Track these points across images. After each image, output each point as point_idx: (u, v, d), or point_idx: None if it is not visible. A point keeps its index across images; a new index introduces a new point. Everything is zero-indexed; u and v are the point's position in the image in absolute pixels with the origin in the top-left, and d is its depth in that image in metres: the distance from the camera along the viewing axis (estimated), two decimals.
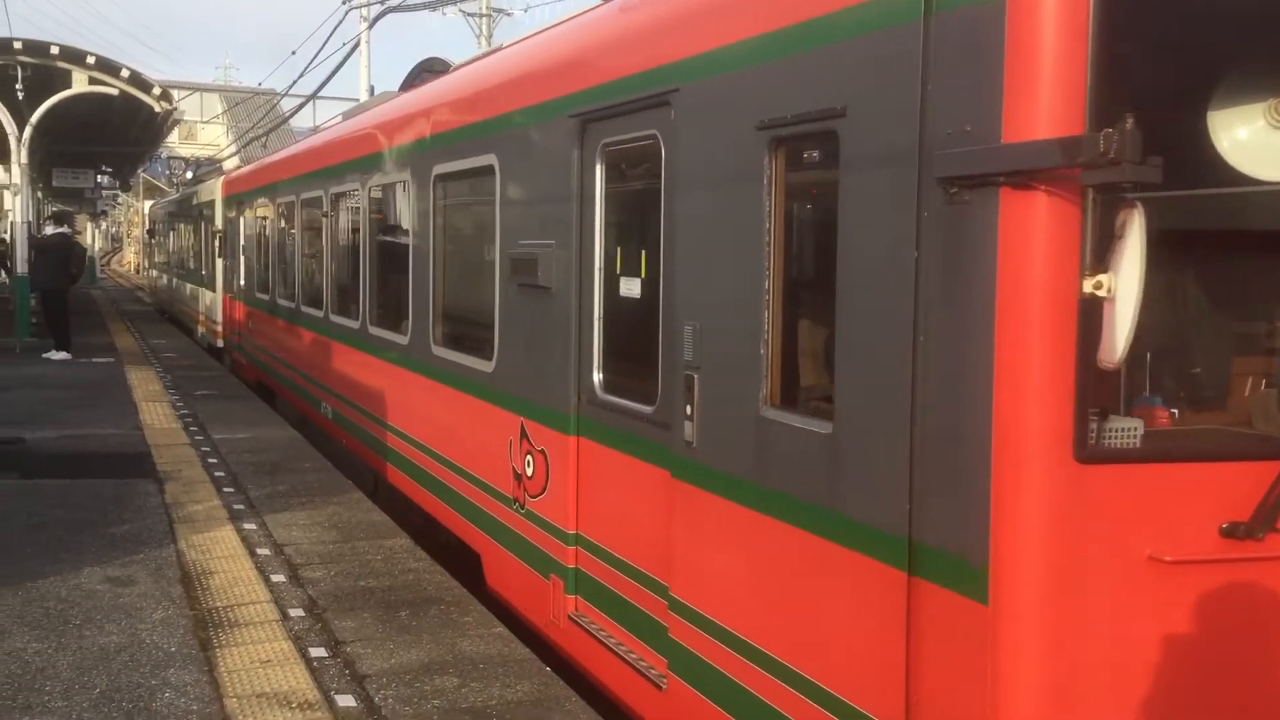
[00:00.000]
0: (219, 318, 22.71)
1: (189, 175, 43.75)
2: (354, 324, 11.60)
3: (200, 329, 26.03)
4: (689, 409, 5.26)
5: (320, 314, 13.26)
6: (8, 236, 24.07)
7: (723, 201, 5.09)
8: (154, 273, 43.97)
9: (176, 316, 31.75)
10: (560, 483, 6.70)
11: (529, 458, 7.12)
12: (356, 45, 27.35)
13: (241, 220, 19.82)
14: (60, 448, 12.24)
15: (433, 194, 9.04)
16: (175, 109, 26.39)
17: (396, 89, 13.12)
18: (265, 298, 17.33)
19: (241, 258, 19.74)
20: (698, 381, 5.21)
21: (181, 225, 31.23)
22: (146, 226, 51.60)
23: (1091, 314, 3.51)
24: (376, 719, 5.61)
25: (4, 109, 22.59)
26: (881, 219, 4.07)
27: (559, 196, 6.65)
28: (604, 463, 6.29)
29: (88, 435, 13.02)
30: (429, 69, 12.80)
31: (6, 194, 23.99)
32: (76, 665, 6.19)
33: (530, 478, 7.11)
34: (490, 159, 7.73)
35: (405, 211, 9.87)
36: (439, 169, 8.91)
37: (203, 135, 65.02)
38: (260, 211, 18.03)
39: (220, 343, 22.63)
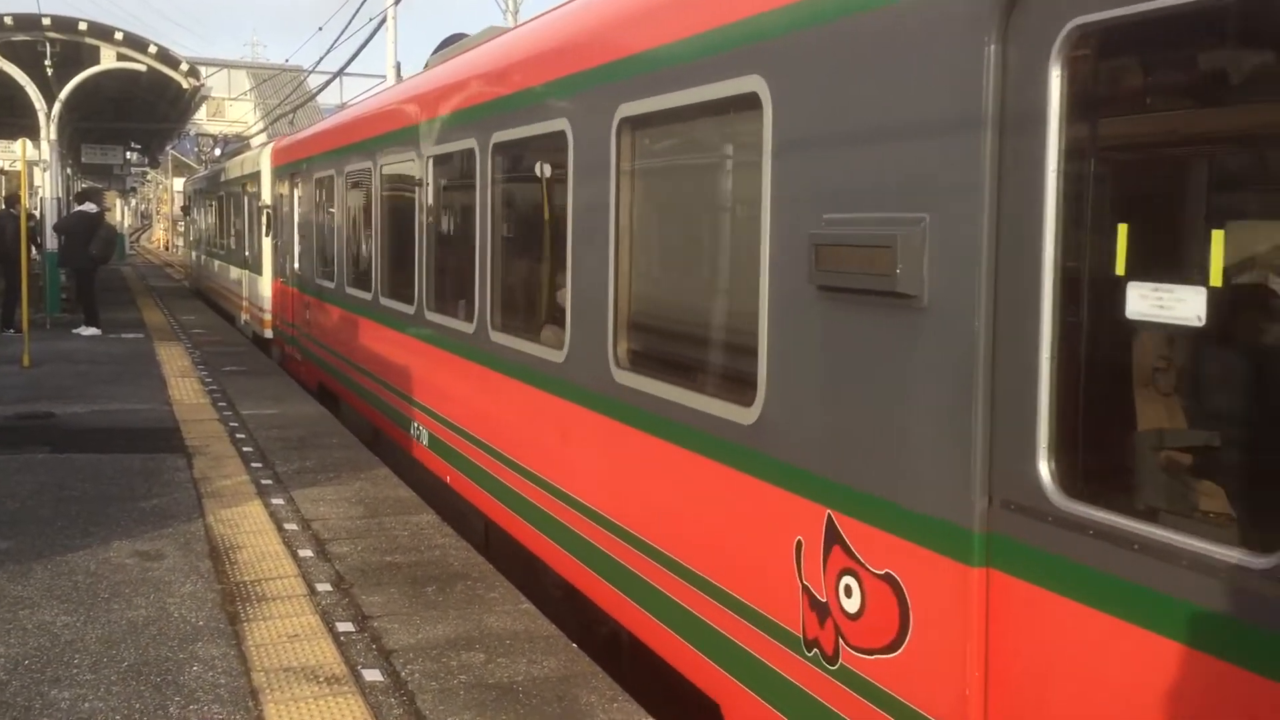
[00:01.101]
0: (267, 305, 20.03)
1: (217, 152, 43.89)
2: (465, 327, 8.81)
3: (243, 316, 23.30)
4: None
5: (410, 310, 10.41)
6: (38, 213, 24.17)
7: None
8: (189, 252, 40.21)
9: (214, 300, 29.24)
10: (942, 643, 3.88)
11: (849, 581, 4.32)
12: (383, 21, 27.28)
13: (296, 194, 16.97)
14: (90, 422, 12.32)
15: (616, 146, 6.18)
16: (202, 85, 26.51)
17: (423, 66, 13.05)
18: (329, 285, 14.33)
19: (296, 237, 16.90)
20: None
21: (220, 200, 28.12)
22: (181, 203, 47.60)
23: None
24: (403, 694, 5.62)
25: (33, 85, 22.71)
26: None
27: (939, 131, 3.85)
28: (1073, 632, 3.44)
29: (117, 410, 13.09)
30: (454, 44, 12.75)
31: (36, 170, 24.08)
32: (105, 638, 6.21)
33: (854, 616, 4.30)
34: (750, 83, 4.89)
35: (557, 175, 7.22)
36: (628, 110, 6.05)
37: (231, 112, 65.29)
38: (321, 183, 15.05)
39: (268, 333, 19.92)
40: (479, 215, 8.52)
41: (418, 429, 10.23)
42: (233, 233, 25.34)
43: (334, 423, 12.75)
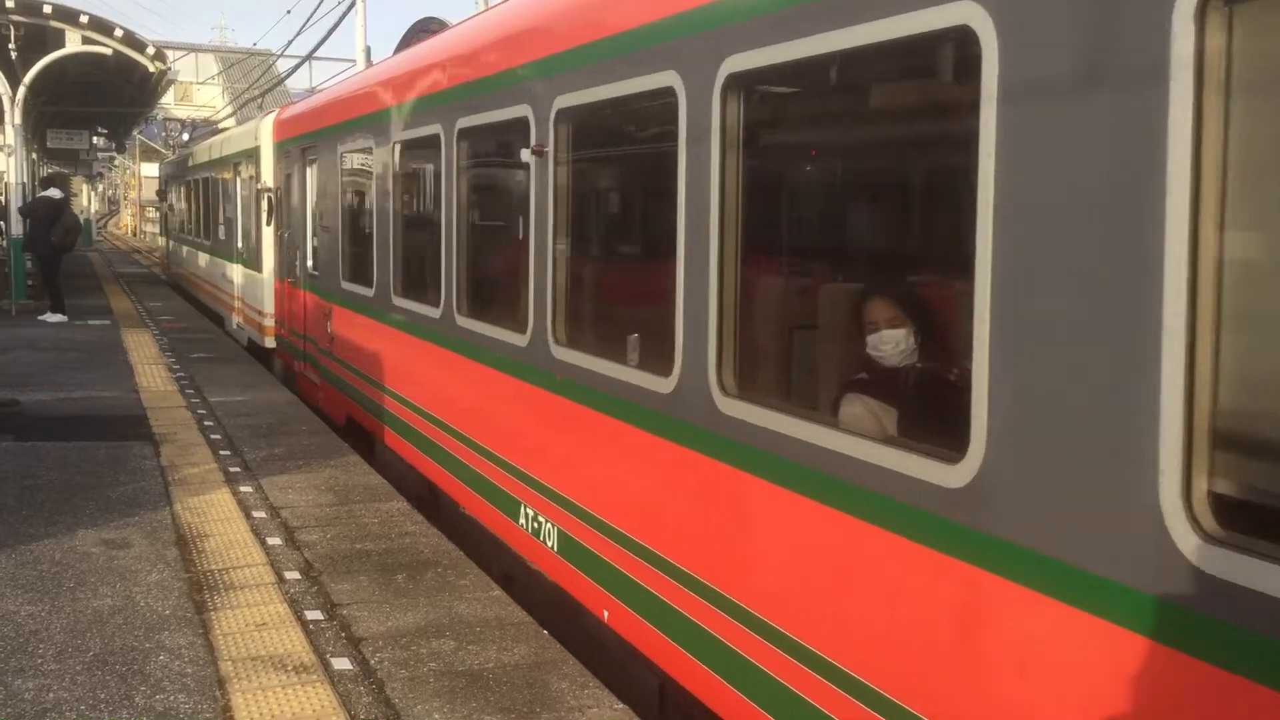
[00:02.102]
0: (269, 310, 16.84)
1: (185, 137, 43.44)
2: (648, 381, 5.43)
3: (235, 318, 19.96)
4: None
5: (520, 340, 6.99)
6: (2, 198, 23.91)
7: None
8: (166, 241, 35.86)
9: (195, 295, 26.10)
10: None
11: None
12: (353, 4, 27.08)
13: (310, 173, 13.72)
14: (56, 410, 12.18)
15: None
16: (169, 69, 26.23)
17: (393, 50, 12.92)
18: (365, 293, 10.81)
19: (312, 228, 13.67)
20: None
21: (205, 183, 24.44)
22: (157, 187, 42.25)
23: None
24: (372, 682, 5.59)
25: None
26: None
27: None
28: None
29: (83, 398, 12.96)
30: (425, 29, 12.68)
31: (1, 155, 23.80)
32: (70, 628, 6.15)
33: None
34: None
35: (934, 119, 4.53)
36: None
37: (198, 96, 64.73)
38: (353, 158, 11.68)
39: (270, 341, 16.81)
40: (687, 200, 5.08)
41: (536, 521, 6.90)
42: (221, 220, 21.77)
43: (303, 410, 12.66)
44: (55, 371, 14.78)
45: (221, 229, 21.70)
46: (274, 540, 7.79)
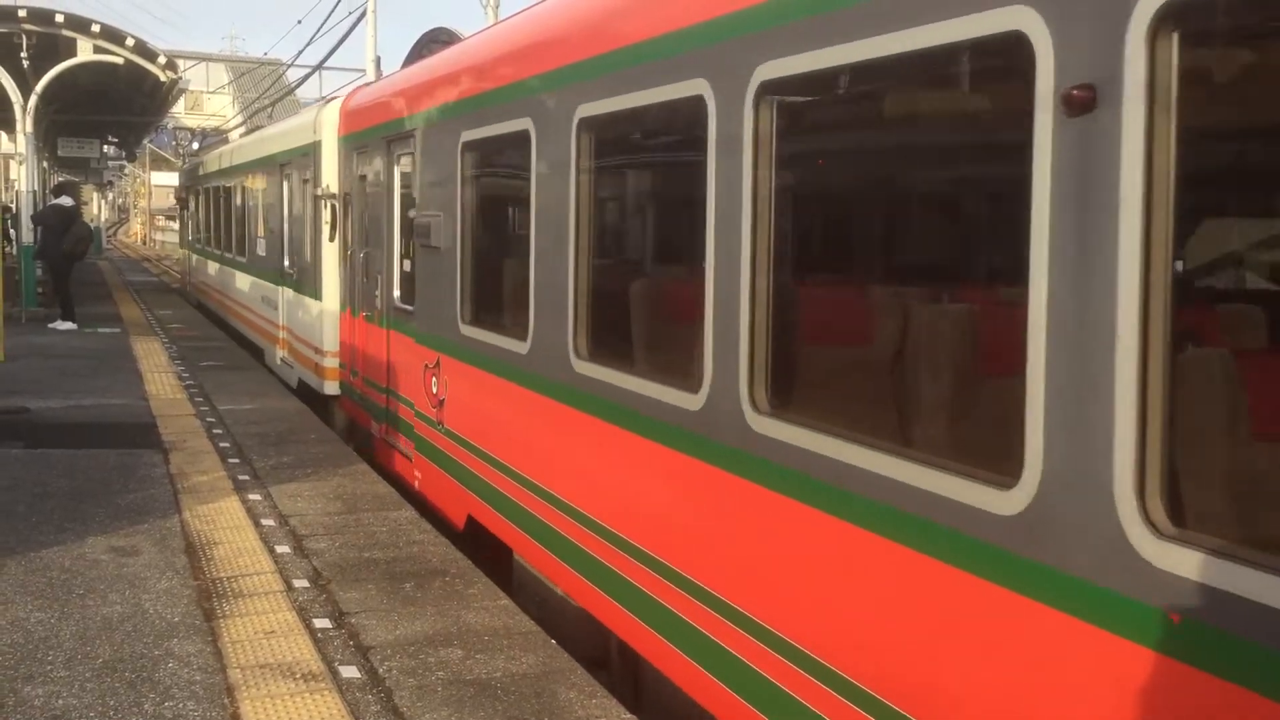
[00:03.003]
0: (328, 346, 13.46)
1: (195, 146, 43.56)
2: None
3: (279, 351, 16.43)
4: None
5: (970, 492, 3.52)
6: (14, 206, 24.01)
7: None
8: (186, 253, 31.87)
9: (221, 316, 22.83)
10: None
11: None
12: (363, 15, 27.20)
13: (397, 174, 10.75)
14: (66, 417, 12.22)
15: None
16: (180, 78, 26.34)
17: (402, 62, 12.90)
18: (510, 348, 7.40)
19: (398, 247, 10.83)
20: None
21: (240, 189, 20.67)
22: (176, 193, 37.14)
23: None
24: (380, 690, 5.59)
25: (9, 77, 22.53)
26: None
27: None
28: None
29: (93, 405, 12.99)
30: (436, 39, 12.74)
31: (12, 163, 23.91)
32: (79, 635, 6.16)
33: None
34: None
35: None
36: None
37: (209, 105, 65.00)
38: (481, 150, 8.29)
39: (331, 387, 13.42)
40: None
41: None
42: (261, 233, 18.33)
43: (312, 419, 12.67)
44: (65, 379, 14.81)
45: (261, 243, 18.19)
46: (282, 548, 7.80)
